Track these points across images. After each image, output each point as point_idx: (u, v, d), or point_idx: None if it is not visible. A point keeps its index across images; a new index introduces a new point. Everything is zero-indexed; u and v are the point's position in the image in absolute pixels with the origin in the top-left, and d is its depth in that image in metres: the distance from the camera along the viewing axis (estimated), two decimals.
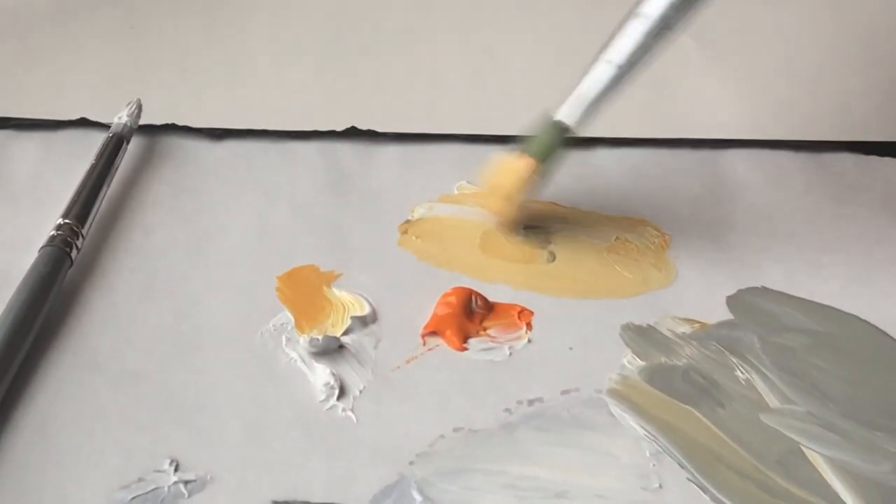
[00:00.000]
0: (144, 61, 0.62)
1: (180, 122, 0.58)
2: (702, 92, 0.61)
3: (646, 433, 0.47)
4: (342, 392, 0.48)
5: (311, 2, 0.66)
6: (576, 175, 0.57)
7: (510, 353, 0.50)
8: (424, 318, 0.51)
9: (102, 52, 0.63)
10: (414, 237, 0.55)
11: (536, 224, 0.55)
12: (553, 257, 0.54)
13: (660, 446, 0.46)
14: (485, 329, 0.51)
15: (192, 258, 0.53)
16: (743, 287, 0.53)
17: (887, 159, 0.58)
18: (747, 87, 0.61)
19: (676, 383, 0.49)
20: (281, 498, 0.44)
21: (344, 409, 0.47)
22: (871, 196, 0.57)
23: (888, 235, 0.55)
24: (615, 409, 0.48)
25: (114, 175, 0.55)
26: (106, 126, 0.57)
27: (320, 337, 0.49)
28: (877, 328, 0.51)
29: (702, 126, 0.59)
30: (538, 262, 0.53)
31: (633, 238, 0.55)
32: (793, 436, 0.47)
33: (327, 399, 0.48)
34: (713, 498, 0.45)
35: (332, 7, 0.66)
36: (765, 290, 0.53)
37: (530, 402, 0.48)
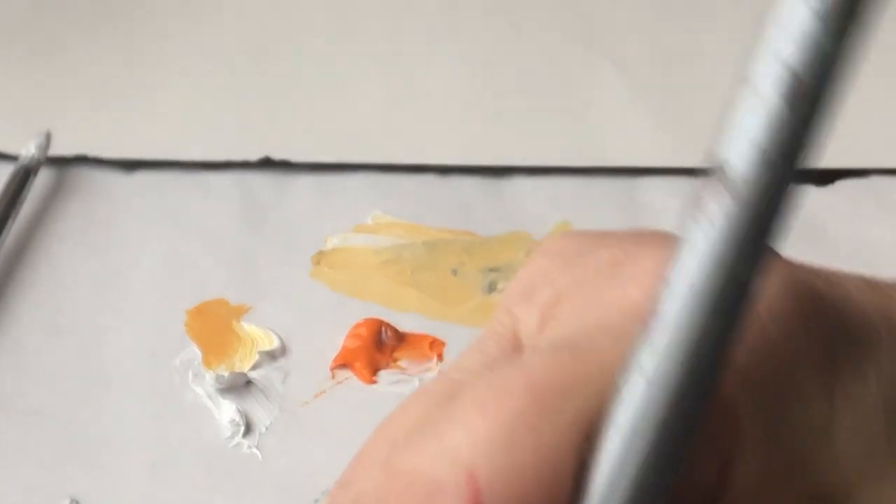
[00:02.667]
0: (56, 91, 0.61)
1: (91, 154, 0.58)
2: (620, 119, 0.61)
3: None
4: (248, 429, 0.47)
5: (224, 32, 0.65)
6: (491, 204, 0.57)
7: (420, 385, 0.49)
8: (335, 350, 0.50)
9: (13, 81, 0.62)
10: (327, 268, 0.54)
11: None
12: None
13: None
14: (395, 360, 0.50)
15: (99, 292, 0.52)
16: None
17: (803, 186, 0.58)
18: (666, 113, 0.61)
19: None
20: None
21: (249, 447, 0.47)
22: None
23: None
24: None
25: (19, 209, 0.54)
26: (13, 158, 0.56)
27: (226, 374, 0.48)
28: None
29: (619, 154, 0.59)
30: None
31: None
32: None
33: (232, 436, 0.47)
34: None
35: (245, 37, 0.65)
36: None
37: None
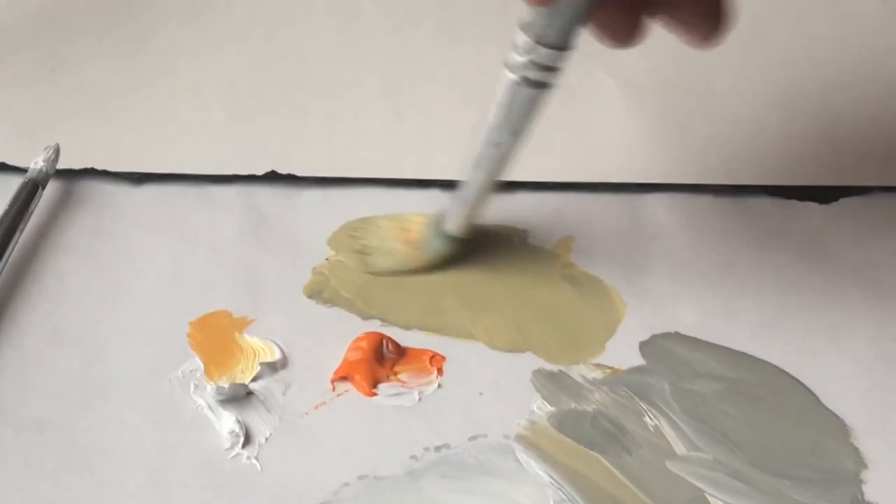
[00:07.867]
0: (65, 104, 0.62)
1: (99, 167, 0.58)
2: (622, 134, 0.61)
3: (551, 481, 0.47)
4: (248, 440, 0.48)
5: (231, 47, 0.66)
6: (496, 219, 0.57)
7: (419, 399, 0.50)
8: (336, 362, 0.51)
9: (22, 94, 0.62)
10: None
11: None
12: None
13: (564, 494, 0.46)
14: (395, 374, 0.51)
15: (104, 304, 0.53)
16: (657, 332, 0.53)
17: (807, 203, 0.58)
18: (667, 129, 0.61)
19: (585, 429, 0.49)
20: None
21: (248, 457, 0.47)
22: (789, 241, 0.57)
23: (802, 280, 0.55)
24: (522, 455, 0.48)
25: (27, 221, 0.55)
26: (23, 170, 0.57)
27: (226, 385, 0.49)
28: (788, 374, 0.51)
29: (622, 169, 0.59)
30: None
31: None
32: (698, 484, 0.47)
33: (232, 447, 0.47)
34: None
35: (252, 52, 0.65)
36: (678, 335, 0.53)
37: (437, 449, 0.48)
